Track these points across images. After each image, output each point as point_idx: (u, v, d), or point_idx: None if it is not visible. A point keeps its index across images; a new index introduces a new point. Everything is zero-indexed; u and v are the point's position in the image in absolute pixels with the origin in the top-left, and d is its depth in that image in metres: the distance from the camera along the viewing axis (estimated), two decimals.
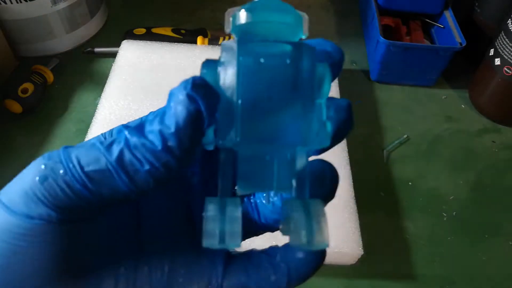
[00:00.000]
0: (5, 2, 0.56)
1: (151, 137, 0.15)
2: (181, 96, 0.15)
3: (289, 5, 0.17)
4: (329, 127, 0.16)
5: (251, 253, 0.18)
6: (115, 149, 0.15)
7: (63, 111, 0.57)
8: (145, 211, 0.19)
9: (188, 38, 0.64)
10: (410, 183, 0.53)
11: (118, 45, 0.61)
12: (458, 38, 0.61)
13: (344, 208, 0.45)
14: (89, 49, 0.64)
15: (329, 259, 0.44)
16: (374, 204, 0.50)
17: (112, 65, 0.58)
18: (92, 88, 0.60)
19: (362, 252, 0.43)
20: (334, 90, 0.57)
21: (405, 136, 0.58)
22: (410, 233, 0.48)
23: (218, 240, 0.15)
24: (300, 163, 0.17)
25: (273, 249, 0.18)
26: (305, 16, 0.17)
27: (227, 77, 0.16)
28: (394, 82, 0.65)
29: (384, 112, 0.61)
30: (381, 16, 0.65)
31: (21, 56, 0.63)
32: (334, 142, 0.17)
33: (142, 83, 0.56)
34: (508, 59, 0.54)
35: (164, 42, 0.61)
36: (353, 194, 0.47)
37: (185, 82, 0.15)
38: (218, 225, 0.15)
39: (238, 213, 0.15)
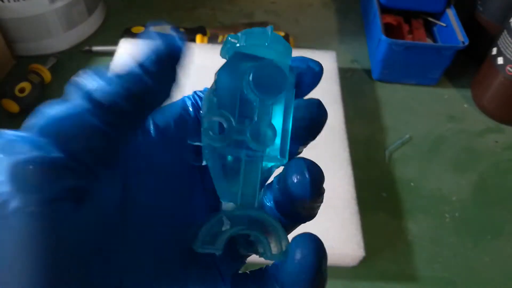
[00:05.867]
0: (2, 1, 0.56)
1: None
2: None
3: (281, 36, 0.19)
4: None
5: (257, 273, 0.18)
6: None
7: None
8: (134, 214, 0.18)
9: (187, 36, 0.64)
10: (412, 184, 0.52)
11: (116, 44, 0.60)
12: (460, 36, 0.60)
13: (345, 208, 0.45)
14: (87, 47, 0.64)
15: (330, 260, 0.43)
16: (375, 205, 0.50)
17: (110, 64, 0.57)
18: None
19: (364, 254, 0.42)
20: (335, 89, 0.56)
21: (407, 136, 0.57)
22: (412, 234, 0.47)
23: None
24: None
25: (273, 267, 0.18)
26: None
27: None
28: (396, 81, 0.64)
29: (386, 111, 0.60)
30: (382, 14, 0.64)
31: (18, 55, 0.63)
32: (310, 137, 0.19)
33: None
34: (511, 58, 0.54)
35: None
36: (354, 195, 0.46)
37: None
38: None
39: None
